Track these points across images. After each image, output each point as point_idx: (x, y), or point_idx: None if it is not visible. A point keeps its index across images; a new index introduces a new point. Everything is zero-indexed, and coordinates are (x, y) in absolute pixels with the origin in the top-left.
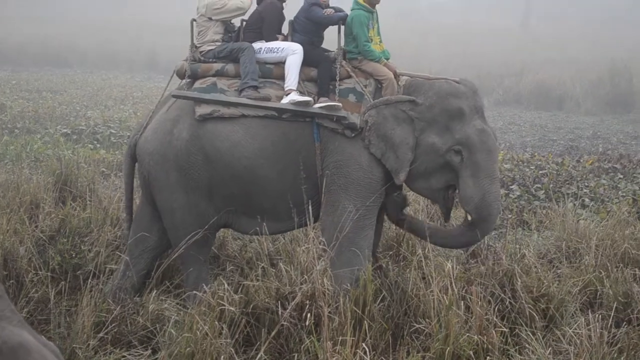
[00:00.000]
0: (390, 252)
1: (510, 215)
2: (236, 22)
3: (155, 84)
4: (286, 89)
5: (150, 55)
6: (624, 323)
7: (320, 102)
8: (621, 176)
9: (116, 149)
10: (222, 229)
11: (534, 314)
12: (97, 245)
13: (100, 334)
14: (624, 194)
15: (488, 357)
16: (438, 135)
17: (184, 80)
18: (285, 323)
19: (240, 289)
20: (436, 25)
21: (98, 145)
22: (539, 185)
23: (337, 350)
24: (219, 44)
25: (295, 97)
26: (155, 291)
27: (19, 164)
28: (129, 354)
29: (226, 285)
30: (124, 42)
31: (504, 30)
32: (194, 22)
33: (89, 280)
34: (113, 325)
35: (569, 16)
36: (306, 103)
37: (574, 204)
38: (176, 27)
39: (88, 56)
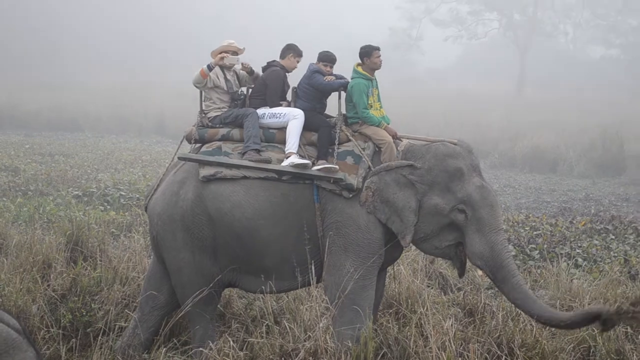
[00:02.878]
0: (391, 310)
1: None
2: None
3: (163, 148)
4: (287, 152)
5: (159, 120)
6: None
7: (318, 165)
8: (613, 237)
9: (125, 210)
10: (227, 288)
11: None
12: (107, 304)
13: None
14: (616, 254)
15: None
16: (440, 197)
17: (192, 145)
18: None
19: (245, 346)
20: (434, 91)
21: (108, 207)
22: (533, 246)
23: None
24: (225, 109)
25: (294, 160)
26: (163, 348)
27: (32, 225)
28: None
29: (231, 342)
30: (133, 107)
31: (499, 96)
32: (201, 90)
33: (99, 337)
34: None
35: (562, 83)
36: (304, 165)
37: (568, 264)
38: (183, 92)
39: (99, 121)
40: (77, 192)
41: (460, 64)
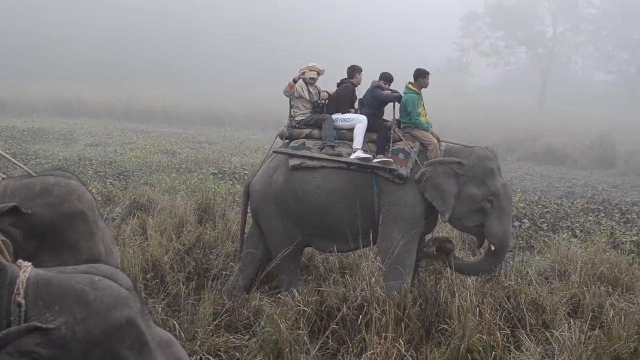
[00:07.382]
0: (431, 268)
1: (521, 242)
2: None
3: (279, 140)
4: (354, 148)
5: (278, 119)
6: (597, 328)
7: (378, 158)
8: (603, 215)
9: None
10: (308, 248)
11: (531, 319)
12: (221, 256)
13: (216, 322)
14: (605, 229)
15: (494, 353)
16: (477, 188)
17: (284, 141)
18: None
19: (317, 293)
20: (478, 103)
21: (236, 182)
22: (543, 220)
23: (380, 343)
24: (308, 115)
25: (360, 154)
26: (258, 292)
27: (176, 195)
28: (234, 338)
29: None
30: (261, 109)
31: (525, 108)
32: (291, 100)
33: (211, 282)
34: (226, 315)
35: (572, 99)
36: (367, 159)
37: (568, 235)
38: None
39: (236, 119)
40: (214, 171)
41: (498, 84)
